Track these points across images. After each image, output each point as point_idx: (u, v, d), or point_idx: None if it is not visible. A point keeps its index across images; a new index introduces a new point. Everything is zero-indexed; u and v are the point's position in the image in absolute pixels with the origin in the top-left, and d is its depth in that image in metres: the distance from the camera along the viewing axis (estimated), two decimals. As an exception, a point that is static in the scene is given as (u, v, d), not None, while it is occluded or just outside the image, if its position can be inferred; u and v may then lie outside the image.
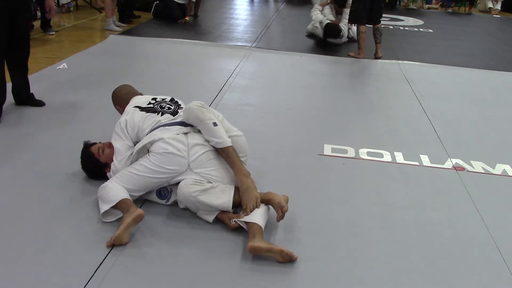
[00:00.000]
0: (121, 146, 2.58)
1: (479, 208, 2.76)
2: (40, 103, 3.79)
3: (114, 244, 2.20)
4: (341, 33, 6.82)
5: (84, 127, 3.47)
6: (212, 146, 2.52)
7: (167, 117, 2.64)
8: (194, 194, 2.36)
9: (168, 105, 2.75)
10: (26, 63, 3.73)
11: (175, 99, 2.85)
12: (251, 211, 2.33)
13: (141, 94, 2.96)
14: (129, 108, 2.74)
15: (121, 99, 2.93)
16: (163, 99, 2.81)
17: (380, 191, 2.91)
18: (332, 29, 6.80)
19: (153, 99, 2.80)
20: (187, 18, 7.82)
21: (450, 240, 2.47)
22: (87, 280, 1.99)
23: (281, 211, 2.32)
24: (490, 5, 11.96)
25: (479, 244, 2.45)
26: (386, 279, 2.15)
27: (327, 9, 7.09)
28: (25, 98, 3.77)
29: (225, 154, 2.50)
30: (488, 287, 2.16)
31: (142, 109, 2.70)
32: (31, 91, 3.81)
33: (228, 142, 2.49)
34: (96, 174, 2.70)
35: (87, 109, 3.85)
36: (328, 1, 7.12)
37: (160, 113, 2.67)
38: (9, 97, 3.68)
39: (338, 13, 7.08)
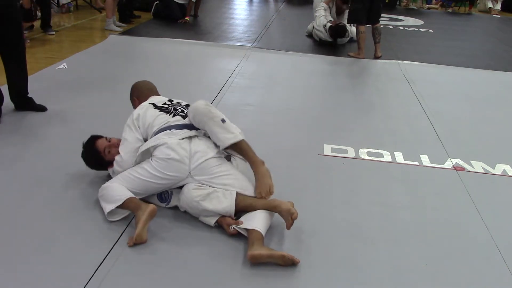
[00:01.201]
0: (130, 137, 2.57)
1: (479, 208, 2.76)
2: (41, 108, 3.71)
3: (135, 243, 2.21)
4: (347, 33, 6.83)
5: (84, 127, 3.45)
6: (221, 150, 2.48)
7: (177, 119, 2.62)
8: (197, 199, 2.36)
9: (182, 108, 2.73)
10: (22, 65, 3.65)
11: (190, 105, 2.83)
12: (263, 197, 2.38)
13: (158, 95, 2.95)
14: (145, 103, 2.74)
15: (141, 92, 2.91)
16: (178, 102, 2.80)
17: (380, 191, 2.91)
18: (339, 30, 6.74)
19: (169, 100, 2.80)
20: (187, 18, 7.82)
21: (450, 240, 2.47)
22: (87, 280, 1.99)
23: (291, 218, 2.27)
24: (490, 5, 11.94)
25: (479, 244, 2.45)
26: (386, 279, 2.15)
27: (329, 10, 7.06)
28: (24, 102, 3.69)
29: (238, 148, 2.49)
30: (488, 287, 2.16)
31: (156, 107, 2.70)
32: (30, 95, 3.73)
33: (240, 136, 2.47)
34: (95, 167, 2.71)
35: (87, 109, 3.84)
36: None
37: (172, 114, 2.65)
38: (10, 101, 3.67)
39: (340, 12, 7.06)
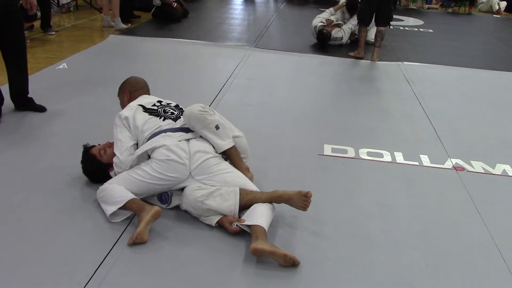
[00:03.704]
0: (122, 137, 2.56)
1: (479, 208, 2.76)
2: (41, 108, 3.71)
3: (135, 242, 2.21)
4: (331, 38, 6.80)
5: (84, 127, 3.46)
6: (215, 151, 2.55)
7: (168, 123, 2.61)
8: (201, 199, 2.36)
9: (171, 110, 2.71)
10: (23, 65, 3.64)
11: (180, 106, 2.81)
12: None
13: (149, 94, 2.93)
14: (133, 104, 2.70)
15: (134, 88, 2.86)
16: (168, 104, 2.78)
17: (380, 191, 2.91)
18: (322, 36, 6.74)
19: (158, 101, 2.77)
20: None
21: (450, 240, 2.47)
22: (87, 280, 1.99)
23: (307, 197, 2.31)
24: (496, 6, 11.84)
25: (479, 244, 2.45)
26: (386, 279, 2.15)
27: (339, 13, 7.07)
28: (24, 102, 3.69)
29: (227, 154, 2.57)
30: (488, 287, 2.16)
31: (145, 109, 2.67)
32: (30, 95, 3.73)
33: (228, 144, 2.54)
34: (99, 176, 2.65)
35: (87, 109, 3.84)
36: (344, 3, 7.08)
37: (163, 117, 2.63)
38: (10, 101, 3.67)
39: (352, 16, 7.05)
